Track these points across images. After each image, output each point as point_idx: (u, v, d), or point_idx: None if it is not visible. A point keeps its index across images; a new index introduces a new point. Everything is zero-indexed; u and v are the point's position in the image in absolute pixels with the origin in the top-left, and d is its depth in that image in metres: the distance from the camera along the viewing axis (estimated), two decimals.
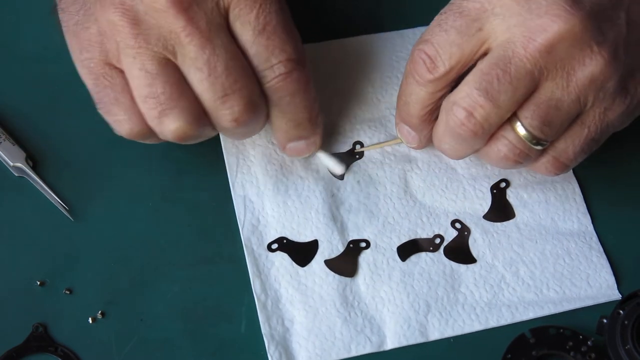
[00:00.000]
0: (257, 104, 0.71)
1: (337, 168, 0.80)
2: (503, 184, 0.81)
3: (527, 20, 0.67)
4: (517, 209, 0.80)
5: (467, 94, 0.69)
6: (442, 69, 0.70)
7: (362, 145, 0.82)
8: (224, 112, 0.69)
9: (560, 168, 0.73)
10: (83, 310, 0.75)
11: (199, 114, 0.69)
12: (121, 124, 0.71)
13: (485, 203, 0.80)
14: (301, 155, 0.79)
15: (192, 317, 0.75)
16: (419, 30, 0.86)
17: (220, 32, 0.69)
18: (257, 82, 0.71)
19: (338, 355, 0.74)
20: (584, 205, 0.81)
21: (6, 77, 0.83)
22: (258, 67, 0.70)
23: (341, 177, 0.80)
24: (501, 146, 0.71)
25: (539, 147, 0.71)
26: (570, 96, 0.68)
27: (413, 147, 0.78)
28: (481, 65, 0.69)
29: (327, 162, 0.80)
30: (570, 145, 0.72)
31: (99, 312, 0.74)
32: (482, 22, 0.69)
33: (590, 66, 0.67)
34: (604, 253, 0.79)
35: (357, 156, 0.81)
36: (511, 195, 0.80)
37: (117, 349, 0.73)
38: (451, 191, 0.80)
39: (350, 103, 0.83)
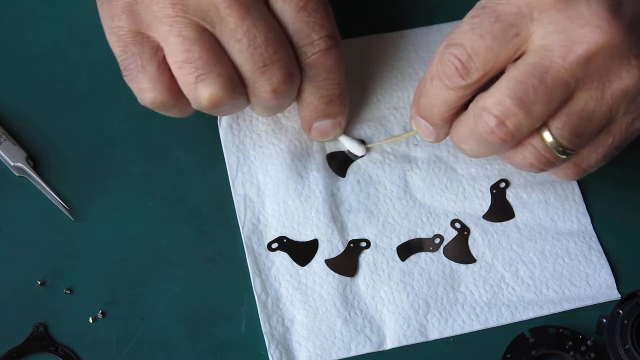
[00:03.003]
0: (294, 75, 0.72)
1: (359, 149, 0.81)
2: (503, 184, 0.81)
3: (566, 29, 0.65)
4: (517, 209, 0.80)
5: (500, 101, 0.67)
6: (475, 75, 0.68)
7: (364, 143, 0.82)
8: (262, 83, 0.71)
9: (580, 174, 0.72)
10: (83, 310, 0.75)
11: (235, 81, 0.70)
12: (145, 92, 0.71)
13: (485, 203, 0.80)
14: (325, 137, 0.80)
15: (192, 317, 0.75)
16: (419, 31, 0.86)
17: (258, 4, 0.70)
18: (294, 56, 0.72)
19: (338, 355, 0.74)
20: (584, 205, 0.81)
21: (6, 77, 0.83)
22: (299, 42, 0.72)
23: (360, 157, 0.81)
24: (528, 153, 0.70)
25: (564, 157, 0.70)
26: (603, 108, 0.67)
27: (430, 141, 0.75)
28: (515, 72, 0.67)
29: (349, 144, 0.81)
30: (594, 152, 0.70)
31: (100, 311, 0.75)
32: (519, 28, 0.67)
33: (626, 79, 0.66)
34: (603, 253, 0.79)
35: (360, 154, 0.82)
36: (511, 195, 0.80)
37: (117, 348, 0.74)
38: (451, 191, 0.80)
39: (351, 103, 0.83)
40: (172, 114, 0.74)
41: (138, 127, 0.81)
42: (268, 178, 0.79)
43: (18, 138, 0.80)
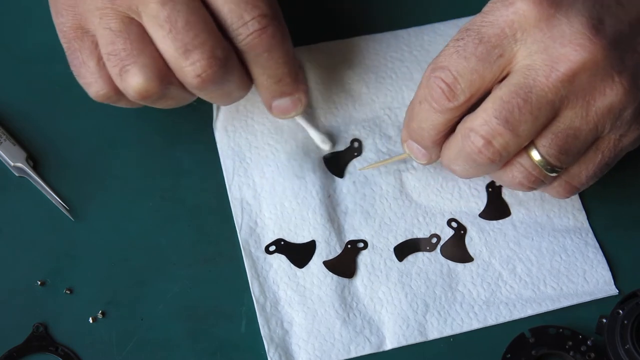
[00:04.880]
0: (222, 60, 0.69)
1: (324, 144, 0.81)
2: (498, 183, 0.81)
3: (549, 48, 0.66)
4: (513, 207, 0.80)
5: (486, 121, 0.67)
6: (462, 97, 0.68)
7: (359, 142, 0.82)
8: (187, 68, 0.69)
9: (572, 191, 0.73)
10: (83, 310, 0.75)
11: (161, 70, 0.69)
12: (89, 86, 0.72)
13: (481, 201, 0.80)
14: (288, 115, 0.78)
15: (192, 317, 0.75)
16: (412, 31, 0.86)
17: None
18: (224, 38, 0.70)
19: (337, 357, 0.74)
20: (579, 201, 0.81)
21: (6, 77, 0.83)
22: (232, 25, 0.70)
23: (327, 151, 0.81)
24: (516, 172, 0.70)
25: (553, 174, 0.70)
26: (589, 125, 0.67)
27: (422, 164, 0.76)
28: (500, 92, 0.67)
29: (314, 135, 0.81)
30: (584, 169, 0.71)
31: (100, 311, 0.75)
32: (503, 49, 0.67)
33: (610, 96, 0.67)
34: (600, 249, 0.79)
35: (356, 154, 0.81)
36: (506, 193, 0.81)
37: (117, 348, 0.74)
38: (447, 190, 0.80)
39: (346, 104, 0.83)
40: (122, 105, 0.73)
41: (138, 127, 0.82)
42: (264, 180, 0.79)
43: (18, 138, 0.80)
